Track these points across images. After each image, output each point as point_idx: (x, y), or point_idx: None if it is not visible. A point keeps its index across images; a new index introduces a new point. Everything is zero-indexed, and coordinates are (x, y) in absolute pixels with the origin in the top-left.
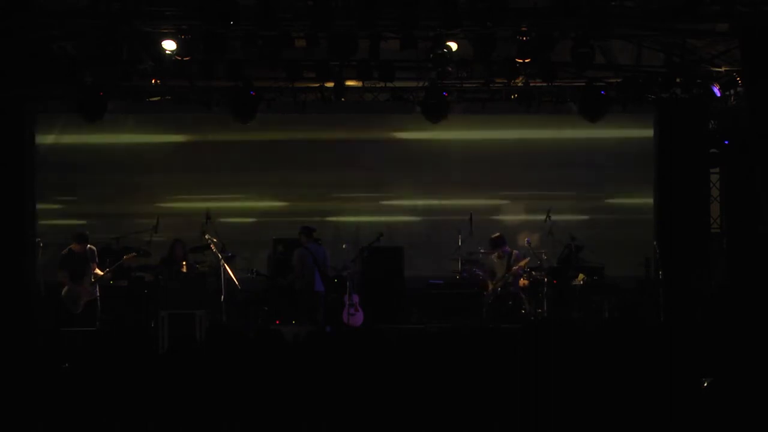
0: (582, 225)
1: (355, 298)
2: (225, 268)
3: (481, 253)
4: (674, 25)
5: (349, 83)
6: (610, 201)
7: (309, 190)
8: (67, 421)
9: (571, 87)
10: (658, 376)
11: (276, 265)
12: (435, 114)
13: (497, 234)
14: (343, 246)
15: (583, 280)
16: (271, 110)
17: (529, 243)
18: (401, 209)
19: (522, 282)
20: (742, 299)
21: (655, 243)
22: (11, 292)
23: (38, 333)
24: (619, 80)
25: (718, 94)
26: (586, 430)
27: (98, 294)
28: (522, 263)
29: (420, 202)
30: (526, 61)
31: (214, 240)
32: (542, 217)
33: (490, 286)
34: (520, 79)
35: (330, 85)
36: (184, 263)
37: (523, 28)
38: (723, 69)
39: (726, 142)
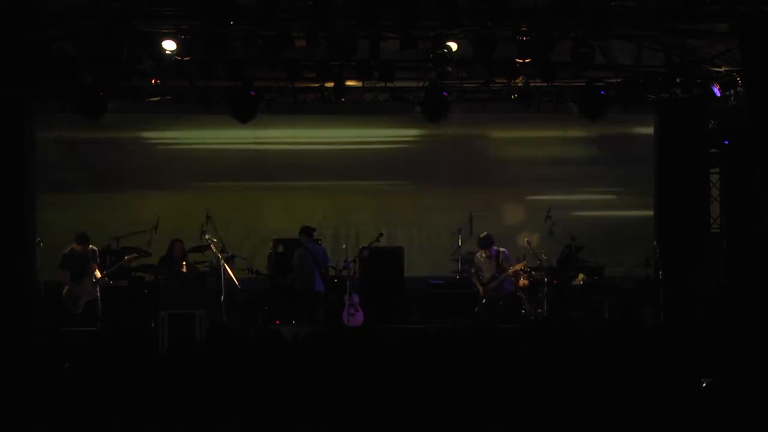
0: (582, 225)
1: (355, 298)
2: (225, 268)
3: (468, 253)
4: (674, 25)
5: (349, 83)
6: (610, 201)
7: (309, 189)
8: (67, 421)
9: (571, 87)
10: (658, 376)
11: (276, 265)
12: (435, 114)
13: (484, 234)
14: (343, 246)
15: (583, 280)
16: (271, 110)
17: (529, 243)
18: (401, 209)
19: (522, 282)
20: (742, 299)
21: (655, 243)
22: (11, 292)
23: (38, 333)
24: (619, 80)
25: (718, 94)
26: (586, 430)
27: (98, 294)
28: (517, 267)
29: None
30: (526, 61)
31: (214, 240)
32: (542, 217)
33: (479, 287)
34: (520, 79)
35: (330, 85)
36: (184, 263)
37: (523, 28)
38: (723, 69)
39: (726, 142)
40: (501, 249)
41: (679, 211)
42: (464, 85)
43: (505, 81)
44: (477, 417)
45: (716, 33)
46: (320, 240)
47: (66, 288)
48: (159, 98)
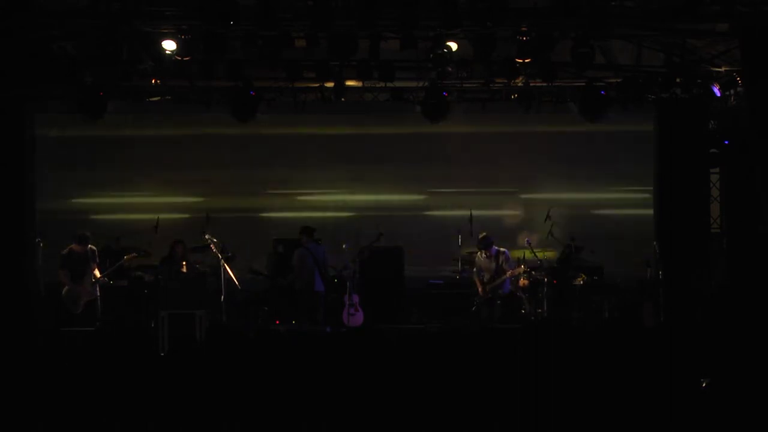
0: (582, 225)
1: (355, 298)
2: (225, 268)
3: (468, 253)
4: (674, 25)
5: (349, 83)
6: (610, 201)
7: (309, 189)
8: (67, 421)
9: (571, 87)
10: (658, 376)
11: (276, 265)
12: (435, 114)
13: (483, 234)
14: (343, 246)
15: (583, 280)
16: (271, 110)
17: (529, 243)
18: (401, 209)
19: (522, 282)
20: (742, 299)
21: (655, 243)
22: (11, 292)
23: (38, 333)
24: (619, 80)
25: (718, 94)
26: (586, 429)
27: (98, 294)
28: (517, 270)
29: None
30: (526, 61)
31: (214, 240)
32: (542, 217)
33: (480, 286)
34: (520, 79)
35: (330, 85)
36: (184, 263)
37: (523, 28)
38: (723, 69)
39: (726, 142)
40: (501, 249)
41: (679, 211)
42: (464, 85)
43: (505, 81)
44: (477, 417)
45: (716, 33)
46: (320, 240)
47: (66, 288)
48: (159, 98)
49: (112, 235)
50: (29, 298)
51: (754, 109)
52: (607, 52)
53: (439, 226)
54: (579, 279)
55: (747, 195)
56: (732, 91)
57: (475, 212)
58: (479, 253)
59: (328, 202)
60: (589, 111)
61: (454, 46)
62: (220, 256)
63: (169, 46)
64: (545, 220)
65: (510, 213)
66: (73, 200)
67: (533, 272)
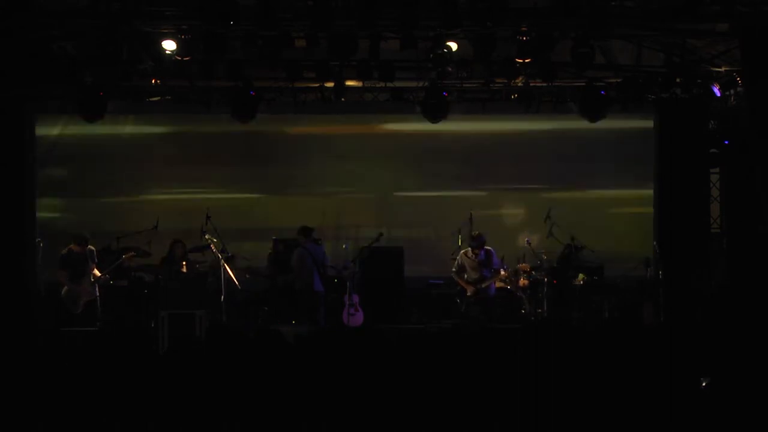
0: (582, 225)
1: (355, 298)
2: (225, 268)
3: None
4: (674, 25)
5: (349, 83)
6: (610, 201)
7: (309, 188)
8: (67, 421)
9: (571, 87)
10: (658, 376)
11: (276, 265)
12: (435, 114)
13: (477, 233)
14: (343, 246)
15: (583, 280)
16: (271, 110)
17: (529, 243)
18: (401, 209)
19: (522, 282)
20: (742, 299)
21: (655, 243)
22: (11, 292)
23: (38, 333)
24: (619, 80)
25: (718, 94)
26: (586, 430)
27: (98, 294)
28: (501, 274)
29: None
30: (526, 61)
31: (214, 240)
32: (542, 216)
33: (466, 286)
34: (520, 79)
35: (330, 85)
36: (184, 263)
37: (523, 28)
38: (723, 69)
39: (726, 142)
40: (487, 248)
41: (679, 211)
42: (464, 85)
43: (505, 81)
44: (477, 417)
45: (716, 33)
46: (320, 240)
47: (65, 288)
48: (159, 98)
49: (112, 235)
50: (29, 298)
51: (754, 109)
52: (607, 52)
53: (439, 226)
54: (579, 279)
55: (747, 195)
56: (732, 91)
57: (474, 212)
58: (463, 252)
59: (328, 201)
60: (589, 111)
61: (454, 46)
62: (220, 256)
63: (169, 46)
64: (545, 219)
65: (510, 213)
66: (73, 200)
67: (533, 272)
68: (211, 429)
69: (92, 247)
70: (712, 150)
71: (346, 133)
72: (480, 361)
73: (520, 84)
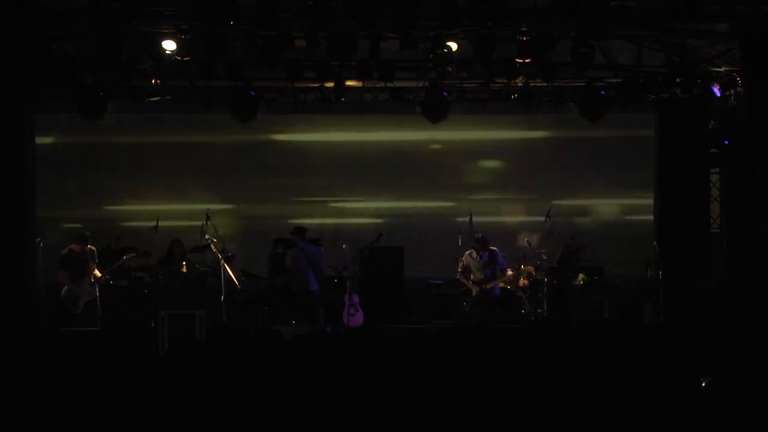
0: (582, 225)
1: (355, 298)
2: (225, 268)
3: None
4: (674, 25)
5: (349, 83)
6: (610, 201)
7: (309, 188)
8: (67, 421)
9: (571, 87)
10: (658, 376)
11: (274, 266)
12: (435, 114)
13: (480, 235)
14: (343, 246)
15: (583, 280)
16: (271, 110)
17: (529, 243)
18: (401, 209)
19: (522, 282)
20: (742, 299)
21: (655, 243)
22: (11, 292)
23: (38, 333)
24: (619, 80)
25: (718, 94)
26: (586, 430)
27: (98, 294)
28: (507, 273)
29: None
30: (526, 61)
31: (214, 240)
32: (542, 216)
33: (471, 286)
34: (520, 79)
35: (330, 85)
36: (184, 263)
37: (523, 28)
38: (723, 69)
39: (726, 142)
40: (492, 248)
41: (679, 211)
42: (464, 85)
43: (505, 81)
44: (477, 417)
45: (716, 33)
46: (320, 240)
47: (65, 288)
48: (159, 98)
49: (112, 235)
50: (29, 298)
51: (754, 109)
52: (607, 52)
53: (439, 226)
54: (579, 279)
55: (747, 195)
56: (732, 91)
57: (474, 212)
58: (468, 253)
59: (327, 201)
60: (590, 111)
61: (454, 46)
62: (220, 257)
63: (169, 46)
64: (545, 219)
65: (510, 212)
66: (73, 200)
67: (533, 272)
68: (211, 429)
69: (92, 247)
70: (712, 150)
71: (347, 133)
72: (480, 361)
73: (520, 84)
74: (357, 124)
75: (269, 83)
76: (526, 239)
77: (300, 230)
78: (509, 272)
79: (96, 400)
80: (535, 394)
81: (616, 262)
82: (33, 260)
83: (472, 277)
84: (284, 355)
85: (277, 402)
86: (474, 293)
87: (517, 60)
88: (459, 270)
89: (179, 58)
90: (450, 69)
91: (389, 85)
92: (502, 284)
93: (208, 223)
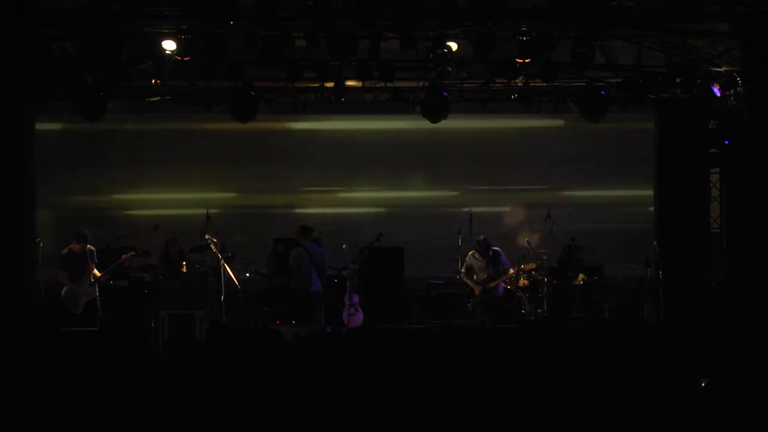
0: (582, 225)
1: (355, 298)
2: (225, 268)
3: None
4: (674, 25)
5: (349, 83)
6: (610, 201)
7: (309, 188)
8: (67, 421)
9: (571, 87)
10: (658, 375)
11: (276, 265)
12: (435, 114)
13: (482, 237)
14: (343, 246)
15: (583, 280)
16: (271, 110)
17: (529, 243)
18: (400, 209)
19: (522, 282)
20: (742, 299)
21: (655, 243)
22: (11, 292)
23: (38, 333)
24: (619, 80)
25: (718, 94)
26: (586, 429)
27: (97, 294)
28: (510, 272)
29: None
30: (526, 61)
31: (214, 240)
32: (542, 216)
33: (474, 285)
34: (520, 79)
35: (330, 85)
36: (184, 263)
37: (523, 28)
38: (723, 69)
39: (726, 142)
40: (495, 248)
41: (679, 211)
42: (464, 85)
43: (505, 81)
44: (477, 417)
45: (716, 33)
46: (320, 240)
47: (65, 288)
48: (159, 98)
49: (112, 235)
50: (29, 298)
51: (754, 109)
52: (607, 52)
53: (439, 226)
54: (579, 279)
55: (747, 195)
56: (732, 91)
57: (475, 210)
58: (471, 253)
59: (328, 201)
60: (590, 111)
61: (454, 46)
62: (220, 256)
63: (169, 46)
64: (545, 219)
65: (510, 212)
66: (73, 199)
67: (533, 272)
68: (212, 428)
69: (92, 247)
70: (712, 150)
71: (347, 133)
72: (480, 361)
73: (520, 84)
74: (357, 124)
75: (269, 83)
76: (526, 239)
77: (306, 229)
78: (511, 271)
79: (96, 400)
80: (535, 394)
81: (616, 262)
82: (33, 260)
83: (475, 277)
84: (284, 355)
85: (277, 402)
86: (477, 293)
87: (517, 60)
88: (462, 270)
89: (179, 58)
90: (450, 69)
91: (389, 85)
92: (522, 282)
93: (208, 223)
